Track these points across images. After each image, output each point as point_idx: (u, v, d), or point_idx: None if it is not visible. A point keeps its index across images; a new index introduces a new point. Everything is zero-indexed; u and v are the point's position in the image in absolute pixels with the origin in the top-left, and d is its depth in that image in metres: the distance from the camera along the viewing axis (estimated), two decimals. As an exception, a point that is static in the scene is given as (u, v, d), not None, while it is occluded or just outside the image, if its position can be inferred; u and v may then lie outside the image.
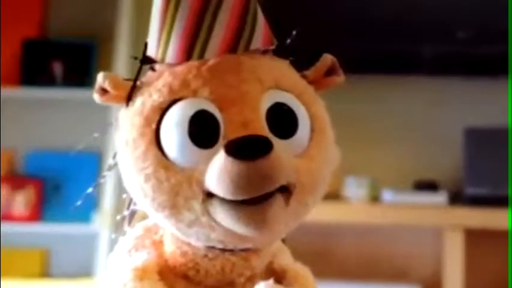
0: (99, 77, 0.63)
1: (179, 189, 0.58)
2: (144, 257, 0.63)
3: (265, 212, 0.57)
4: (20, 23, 2.44)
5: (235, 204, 0.57)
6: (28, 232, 2.37)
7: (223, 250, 0.62)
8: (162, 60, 0.63)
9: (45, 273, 2.39)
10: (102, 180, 0.69)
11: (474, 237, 1.99)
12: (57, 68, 2.40)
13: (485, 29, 2.18)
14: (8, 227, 2.29)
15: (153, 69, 0.64)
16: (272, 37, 0.65)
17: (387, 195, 2.04)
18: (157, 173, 0.59)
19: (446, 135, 2.23)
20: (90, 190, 0.69)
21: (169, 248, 0.64)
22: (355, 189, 2.06)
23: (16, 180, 2.39)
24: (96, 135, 0.71)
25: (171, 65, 0.62)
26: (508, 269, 2.09)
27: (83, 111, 2.14)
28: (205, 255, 0.62)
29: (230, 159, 0.56)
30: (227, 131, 0.58)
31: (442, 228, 1.99)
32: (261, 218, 0.57)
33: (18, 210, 2.36)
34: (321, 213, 1.93)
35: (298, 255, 0.69)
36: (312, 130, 0.62)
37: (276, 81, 0.62)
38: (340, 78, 0.65)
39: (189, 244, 0.63)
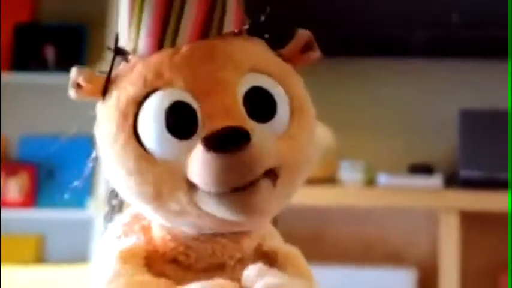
0: (72, 72, 0.62)
1: (162, 181, 0.58)
2: (131, 241, 0.63)
3: (252, 198, 0.56)
4: (11, 8, 2.42)
5: (221, 194, 0.56)
6: (23, 218, 2.37)
7: (214, 233, 0.61)
8: (135, 51, 0.62)
9: (41, 258, 2.39)
10: (89, 171, 0.68)
11: (469, 220, 1.99)
12: (49, 53, 2.38)
13: (482, 11, 2.17)
14: (2, 213, 2.29)
15: (126, 60, 0.63)
16: (245, 17, 0.64)
17: (382, 179, 2.04)
18: (139, 166, 0.59)
19: (441, 118, 2.23)
20: (80, 180, 0.68)
21: (159, 233, 0.64)
22: (350, 173, 2.05)
23: (9, 166, 2.39)
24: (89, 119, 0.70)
25: (144, 56, 0.61)
26: (503, 251, 2.09)
27: (75, 96, 2.12)
28: (197, 238, 0.62)
29: (208, 154, 0.55)
30: (205, 120, 0.58)
31: (437, 211, 1.99)
32: (248, 204, 0.56)
33: (13, 196, 2.35)
34: (316, 197, 1.93)
35: (293, 238, 0.69)
36: (292, 110, 0.61)
37: (251, 65, 0.61)
38: (316, 53, 0.64)
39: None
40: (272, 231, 0.69)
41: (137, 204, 0.61)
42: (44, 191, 2.36)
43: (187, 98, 0.58)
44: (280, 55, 0.64)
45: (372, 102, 2.27)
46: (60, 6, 2.44)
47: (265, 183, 0.57)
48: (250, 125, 0.58)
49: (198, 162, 0.56)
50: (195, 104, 0.58)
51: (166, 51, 0.60)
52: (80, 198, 2.21)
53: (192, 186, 0.57)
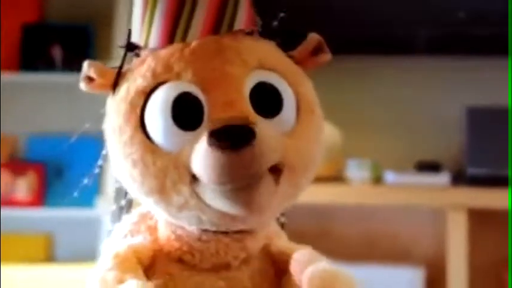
0: (84, 66, 0.62)
1: (166, 173, 0.58)
2: (137, 241, 0.63)
3: (254, 193, 0.56)
4: (19, 8, 2.43)
5: (223, 188, 0.57)
6: (31, 217, 2.37)
7: (217, 232, 0.62)
8: (146, 46, 0.62)
9: (49, 257, 2.39)
10: (98, 170, 0.68)
11: (477, 218, 1.99)
12: (57, 53, 2.39)
13: (486, 9, 2.16)
14: (11, 213, 2.30)
15: (138, 55, 0.63)
16: (256, 18, 0.64)
17: (389, 177, 2.04)
18: (144, 157, 0.59)
19: (447, 116, 2.23)
20: (88, 179, 0.68)
21: (164, 233, 0.64)
22: (357, 171, 2.06)
23: (18, 165, 2.40)
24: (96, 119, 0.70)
25: (154, 50, 0.62)
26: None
27: (83, 94, 2.13)
28: (199, 238, 0.62)
29: (212, 150, 0.55)
30: (211, 113, 0.58)
31: (444, 208, 1.99)
32: (250, 199, 0.57)
33: (21, 195, 2.36)
34: (323, 194, 1.94)
35: (300, 236, 0.69)
36: (299, 109, 0.61)
37: (259, 61, 0.61)
38: (326, 56, 0.64)
39: (182, 228, 0.62)
40: (278, 231, 0.69)
41: (142, 198, 0.62)
42: (52, 190, 2.37)
43: (195, 90, 0.59)
44: (290, 57, 0.64)
45: (379, 101, 2.27)
46: (67, 6, 2.44)
47: (268, 179, 0.57)
48: (255, 118, 0.58)
49: (202, 157, 0.56)
50: (201, 96, 0.59)
51: (177, 45, 0.61)
52: (88, 197, 2.22)
53: (195, 179, 0.58)
